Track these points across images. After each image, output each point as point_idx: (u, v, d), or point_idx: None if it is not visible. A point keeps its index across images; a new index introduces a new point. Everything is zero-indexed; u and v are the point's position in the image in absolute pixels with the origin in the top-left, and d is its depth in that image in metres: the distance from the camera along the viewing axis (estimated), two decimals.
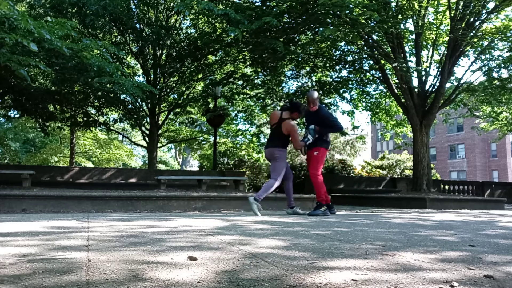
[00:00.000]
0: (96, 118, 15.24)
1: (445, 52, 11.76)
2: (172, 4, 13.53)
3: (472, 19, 10.97)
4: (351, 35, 10.56)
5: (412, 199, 10.10)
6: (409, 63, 11.53)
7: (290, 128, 5.38)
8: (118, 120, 15.87)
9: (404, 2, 10.71)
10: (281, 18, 9.76)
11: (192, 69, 14.19)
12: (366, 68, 13.04)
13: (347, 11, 8.89)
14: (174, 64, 13.82)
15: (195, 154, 28.32)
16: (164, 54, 14.07)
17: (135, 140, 24.22)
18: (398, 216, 5.47)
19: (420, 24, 11.07)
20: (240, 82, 14.39)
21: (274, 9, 9.20)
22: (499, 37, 11.32)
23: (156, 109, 15.20)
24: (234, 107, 17.31)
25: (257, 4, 10.91)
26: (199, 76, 15.06)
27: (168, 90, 15.21)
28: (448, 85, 12.49)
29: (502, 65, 11.70)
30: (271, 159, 5.53)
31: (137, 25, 13.21)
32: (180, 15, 13.98)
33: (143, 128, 15.72)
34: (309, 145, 5.55)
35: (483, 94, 12.91)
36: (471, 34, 11.04)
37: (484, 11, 10.86)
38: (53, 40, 6.08)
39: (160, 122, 16.17)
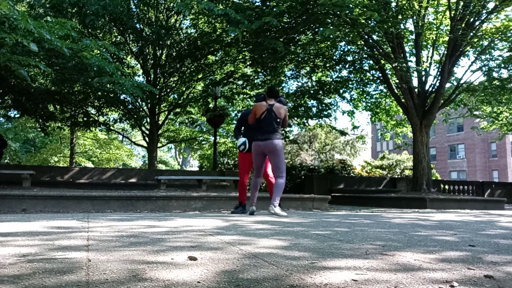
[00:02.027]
0: (96, 118, 15.25)
1: (445, 52, 11.77)
2: (172, 4, 13.53)
3: (472, 19, 10.97)
4: (351, 35, 10.57)
5: (412, 199, 10.10)
6: (409, 63, 11.54)
7: (286, 112, 5.04)
8: (118, 120, 15.88)
9: (404, 2, 10.71)
10: (281, 18, 9.77)
11: (192, 69, 14.19)
12: (366, 68, 13.05)
13: (347, 11, 8.89)
14: (174, 64, 13.83)
15: (195, 154, 28.33)
16: (164, 54, 14.07)
17: (135, 140, 24.23)
18: (398, 216, 5.47)
19: (420, 24, 11.07)
20: (240, 82, 14.39)
21: (274, 9, 9.20)
22: (499, 37, 11.32)
23: (156, 109, 15.21)
24: (234, 107, 17.31)
25: (257, 4, 10.92)
26: (199, 76, 15.06)
27: (168, 90, 15.21)
28: (448, 85, 12.50)
29: (502, 65, 11.71)
30: (269, 154, 5.00)
31: (137, 25, 13.21)
32: (180, 15, 13.99)
33: (143, 128, 15.73)
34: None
35: (483, 94, 12.92)
36: (471, 34, 11.04)
37: (484, 11, 10.87)
38: (53, 40, 6.08)
39: (160, 122, 16.18)
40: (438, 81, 11.74)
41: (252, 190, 5.32)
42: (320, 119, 14.44)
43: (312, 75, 14.02)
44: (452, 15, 10.97)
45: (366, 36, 11.24)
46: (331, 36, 10.31)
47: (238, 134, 5.67)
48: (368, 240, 2.54)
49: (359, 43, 12.00)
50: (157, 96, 14.05)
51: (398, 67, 10.69)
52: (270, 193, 5.73)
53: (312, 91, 13.49)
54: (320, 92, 13.40)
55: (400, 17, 10.65)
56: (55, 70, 10.74)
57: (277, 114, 4.95)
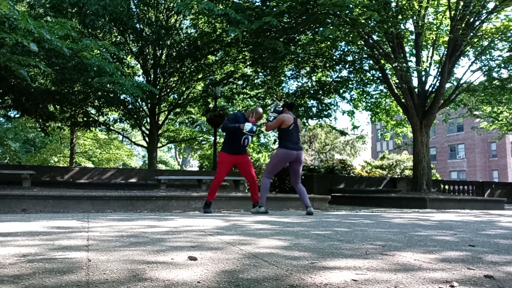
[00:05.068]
0: (96, 118, 15.25)
1: (445, 52, 11.76)
2: (172, 4, 13.53)
3: (472, 19, 10.97)
4: (351, 35, 10.56)
5: (412, 199, 10.09)
6: (409, 63, 11.53)
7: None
8: (118, 120, 15.87)
9: (404, 2, 10.71)
10: (281, 18, 9.76)
11: (192, 69, 14.19)
12: (366, 68, 13.04)
13: (347, 11, 8.89)
14: (174, 64, 13.82)
15: (195, 154, 28.33)
16: (164, 54, 14.07)
17: (135, 140, 24.23)
18: (398, 216, 5.47)
19: (420, 24, 11.07)
20: (240, 82, 14.39)
21: (274, 9, 9.20)
22: (499, 37, 11.32)
23: (156, 109, 15.20)
24: (234, 107, 17.31)
25: (257, 4, 10.92)
26: (199, 76, 15.06)
27: (168, 90, 15.21)
28: (448, 85, 12.49)
29: (502, 65, 11.70)
30: (295, 162, 5.46)
31: (137, 25, 13.21)
32: (180, 15, 13.98)
33: (143, 128, 15.72)
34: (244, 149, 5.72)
35: (483, 94, 12.91)
36: (471, 34, 11.04)
37: (484, 11, 10.87)
38: (53, 40, 6.08)
39: (160, 122, 16.17)
40: (438, 81, 11.73)
41: (266, 192, 5.56)
42: (320, 119, 14.43)
43: (312, 75, 14.01)
44: (452, 15, 10.97)
45: (366, 36, 11.23)
46: (331, 36, 10.30)
47: (235, 125, 5.64)
48: (368, 240, 2.54)
49: (359, 43, 11.99)
50: (157, 96, 14.05)
51: (398, 67, 10.68)
52: (254, 193, 5.82)
53: (312, 91, 13.48)
54: (320, 92, 13.39)
55: (400, 17, 10.64)
56: (55, 70, 10.73)
57: (299, 127, 5.63)
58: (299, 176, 5.52)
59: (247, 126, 5.47)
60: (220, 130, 5.23)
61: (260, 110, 5.81)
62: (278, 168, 5.56)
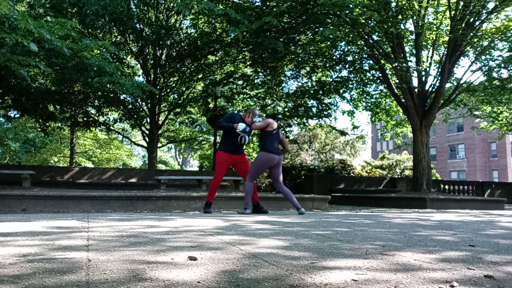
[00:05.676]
0: (96, 118, 15.25)
1: (445, 52, 11.76)
2: (172, 4, 13.53)
3: (472, 19, 10.97)
4: (351, 35, 10.56)
5: (412, 199, 10.09)
6: (409, 63, 11.53)
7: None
8: (118, 120, 15.88)
9: (404, 2, 10.71)
10: (281, 18, 9.77)
11: (192, 69, 14.19)
12: (366, 68, 13.04)
13: (347, 11, 8.89)
14: (174, 64, 13.83)
15: (195, 154, 28.33)
16: (164, 54, 14.07)
17: (135, 140, 24.22)
18: (398, 216, 5.47)
19: (420, 24, 11.07)
20: (240, 82, 14.39)
21: (274, 9, 9.21)
22: (499, 37, 11.32)
23: (156, 109, 15.21)
24: (234, 107, 17.31)
25: (257, 4, 10.92)
26: (199, 76, 15.06)
27: (168, 90, 15.22)
28: (448, 85, 12.49)
29: (502, 65, 11.71)
30: (275, 167, 5.61)
31: (137, 25, 13.21)
32: (180, 15, 13.99)
33: (143, 128, 15.73)
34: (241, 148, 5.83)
35: (483, 94, 12.91)
36: (471, 34, 11.04)
37: (484, 11, 10.87)
38: (53, 40, 6.08)
39: (160, 122, 16.18)
40: (438, 81, 11.73)
41: (250, 194, 5.65)
42: (320, 119, 14.44)
43: (312, 75, 14.01)
44: (452, 15, 10.97)
45: (366, 36, 11.23)
46: (331, 36, 10.31)
47: (229, 124, 5.66)
48: (368, 240, 2.54)
49: (359, 43, 11.99)
50: (157, 96, 14.05)
51: (398, 67, 10.68)
52: (254, 192, 5.87)
53: (312, 91, 13.48)
54: (320, 92, 13.39)
55: (400, 17, 10.65)
56: (55, 70, 10.74)
57: (280, 135, 5.81)
58: (280, 179, 5.68)
59: (240, 126, 5.52)
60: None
61: (257, 111, 5.88)
62: (262, 171, 5.73)
